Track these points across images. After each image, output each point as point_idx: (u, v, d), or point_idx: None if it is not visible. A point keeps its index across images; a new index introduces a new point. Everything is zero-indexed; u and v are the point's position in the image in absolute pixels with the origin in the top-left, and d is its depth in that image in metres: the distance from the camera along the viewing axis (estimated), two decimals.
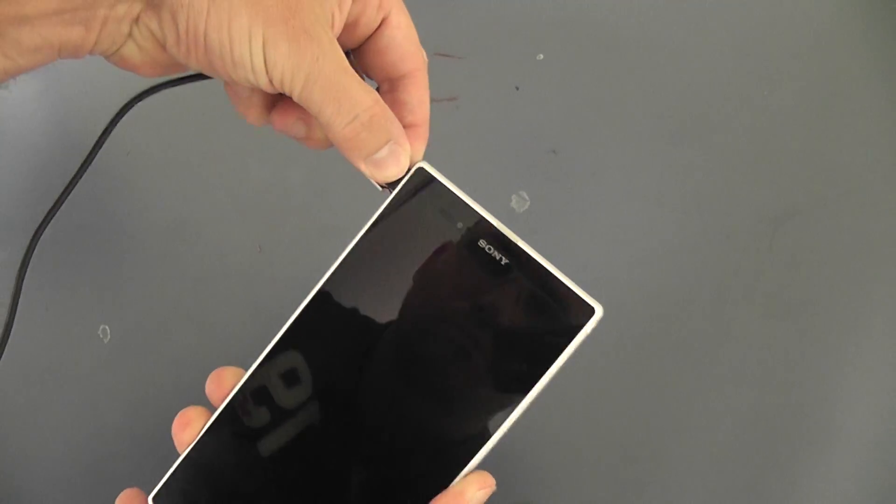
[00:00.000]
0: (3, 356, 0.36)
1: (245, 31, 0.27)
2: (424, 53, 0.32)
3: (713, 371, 0.41)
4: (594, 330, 0.28)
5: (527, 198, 0.46)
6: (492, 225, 0.29)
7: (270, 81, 0.27)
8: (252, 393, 0.29)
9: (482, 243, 0.29)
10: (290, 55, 0.27)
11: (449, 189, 0.30)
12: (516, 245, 0.29)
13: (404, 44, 0.31)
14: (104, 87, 0.51)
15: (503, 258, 0.29)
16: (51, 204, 0.47)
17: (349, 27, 0.30)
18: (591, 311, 0.29)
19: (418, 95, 0.31)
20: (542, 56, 0.51)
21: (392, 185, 0.30)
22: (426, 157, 0.31)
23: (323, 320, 0.30)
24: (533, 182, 0.47)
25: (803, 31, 0.51)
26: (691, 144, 0.48)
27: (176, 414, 0.35)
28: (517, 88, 0.51)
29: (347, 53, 0.31)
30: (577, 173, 0.47)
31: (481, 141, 0.48)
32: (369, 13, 0.30)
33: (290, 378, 0.29)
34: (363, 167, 0.29)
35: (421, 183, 0.30)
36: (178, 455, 0.29)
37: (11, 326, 0.37)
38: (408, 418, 0.28)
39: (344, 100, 0.28)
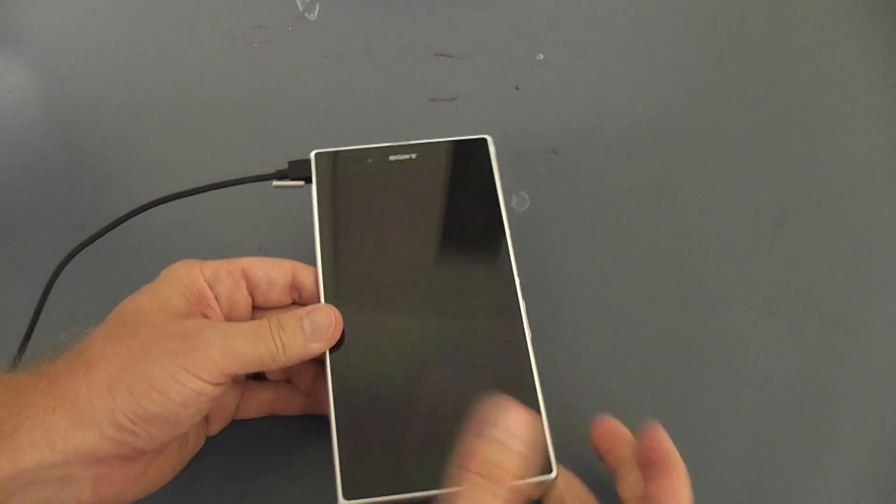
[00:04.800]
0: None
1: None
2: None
3: (713, 371, 0.41)
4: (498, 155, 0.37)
5: (527, 198, 0.46)
6: (384, 146, 0.37)
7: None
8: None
9: (391, 158, 0.37)
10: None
11: (345, 150, 0.37)
12: (408, 144, 0.37)
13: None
14: (105, 87, 0.51)
15: (409, 155, 0.37)
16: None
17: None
18: (484, 140, 0.38)
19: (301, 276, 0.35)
20: (542, 56, 0.52)
21: (306, 178, 0.36)
22: None
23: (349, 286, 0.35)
24: (533, 182, 0.47)
25: (803, 30, 0.51)
26: (691, 144, 0.48)
27: None
28: (517, 88, 0.51)
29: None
30: (577, 173, 0.48)
31: None
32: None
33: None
34: (314, 346, 0.32)
35: (325, 161, 0.37)
36: None
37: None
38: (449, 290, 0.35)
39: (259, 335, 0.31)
